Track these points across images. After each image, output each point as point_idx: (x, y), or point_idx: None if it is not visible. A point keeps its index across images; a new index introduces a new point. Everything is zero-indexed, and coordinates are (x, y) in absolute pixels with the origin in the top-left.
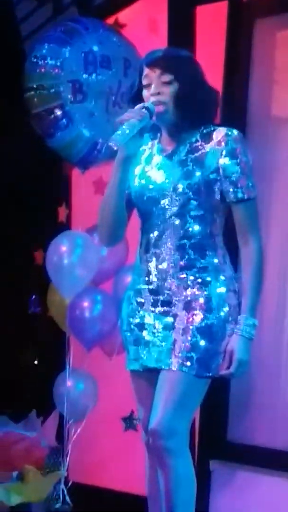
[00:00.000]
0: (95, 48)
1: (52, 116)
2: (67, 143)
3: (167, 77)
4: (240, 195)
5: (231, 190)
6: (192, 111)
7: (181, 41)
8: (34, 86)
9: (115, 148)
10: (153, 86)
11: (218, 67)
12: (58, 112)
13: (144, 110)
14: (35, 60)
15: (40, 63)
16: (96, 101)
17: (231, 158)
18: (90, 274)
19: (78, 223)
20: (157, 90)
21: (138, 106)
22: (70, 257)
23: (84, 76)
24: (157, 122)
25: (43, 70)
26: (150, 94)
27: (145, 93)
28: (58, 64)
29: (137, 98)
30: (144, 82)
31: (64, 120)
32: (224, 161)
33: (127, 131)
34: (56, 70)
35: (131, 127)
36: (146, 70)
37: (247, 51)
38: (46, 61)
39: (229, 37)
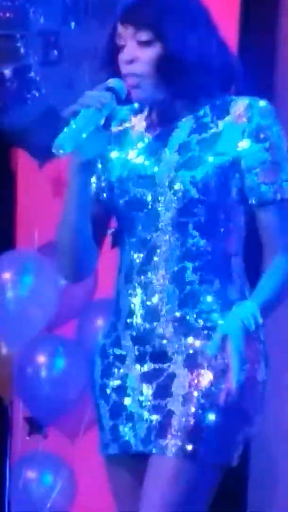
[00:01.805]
0: None
1: (10, 82)
2: (28, 122)
3: (144, 36)
4: (269, 195)
5: (256, 187)
6: (186, 85)
7: None
8: None
9: (61, 155)
10: (125, 49)
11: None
12: (19, 77)
13: (107, 92)
14: None
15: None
16: (76, 64)
17: (256, 141)
18: (46, 314)
19: (27, 239)
20: (130, 56)
21: (99, 86)
22: (16, 289)
23: (62, 27)
24: (137, 101)
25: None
26: (122, 61)
27: (119, 58)
28: (21, 4)
29: (109, 66)
30: (117, 41)
31: (28, 88)
32: (246, 144)
33: (80, 129)
34: (18, 15)
35: (86, 121)
36: (119, 27)
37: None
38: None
39: None
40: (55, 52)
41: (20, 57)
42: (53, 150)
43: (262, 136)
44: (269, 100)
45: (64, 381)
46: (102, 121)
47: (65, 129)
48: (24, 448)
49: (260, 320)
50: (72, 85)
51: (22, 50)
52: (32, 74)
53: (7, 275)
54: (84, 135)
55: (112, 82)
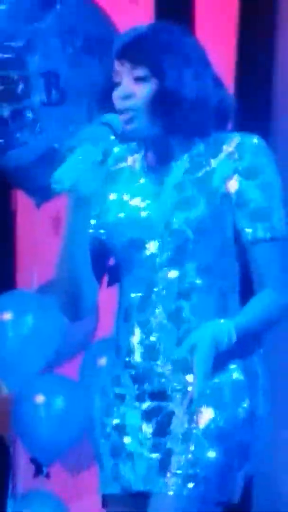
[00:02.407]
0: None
1: (9, 123)
2: (27, 163)
3: (140, 72)
4: (260, 233)
5: (247, 225)
6: (180, 122)
7: (173, 11)
8: None
9: (60, 191)
10: (121, 85)
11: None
12: (19, 118)
13: (103, 127)
14: None
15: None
16: (76, 104)
17: (247, 178)
18: (47, 354)
19: (27, 278)
20: (126, 91)
21: (96, 121)
22: (17, 328)
23: (62, 67)
24: (129, 140)
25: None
26: (118, 97)
27: (114, 94)
28: (25, 45)
29: (108, 103)
30: (114, 78)
31: (27, 129)
32: (237, 182)
33: (77, 164)
34: (17, 55)
35: (83, 156)
36: (115, 63)
37: (269, 21)
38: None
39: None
40: (56, 92)
41: (20, 98)
42: (52, 185)
43: (253, 174)
44: (267, 129)
45: (64, 420)
46: (99, 156)
47: (63, 165)
48: (25, 488)
49: (234, 339)
50: (72, 125)
51: (21, 91)
52: (30, 115)
53: (7, 315)
54: (81, 170)
55: (107, 117)
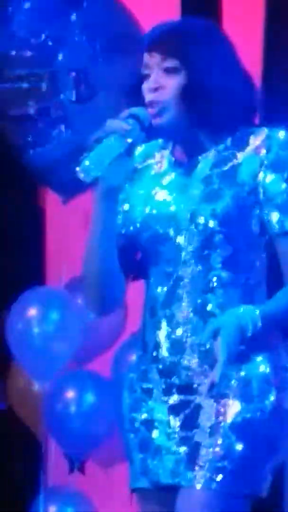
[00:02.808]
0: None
1: (37, 120)
2: (56, 160)
3: (170, 63)
4: (287, 226)
5: (275, 218)
6: (208, 115)
7: (199, 8)
8: (14, 75)
9: (86, 180)
10: (151, 77)
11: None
12: (47, 115)
13: (130, 119)
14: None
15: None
16: (104, 100)
17: (275, 171)
18: (71, 348)
19: (56, 275)
20: (156, 84)
21: (123, 114)
22: (42, 324)
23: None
24: (157, 134)
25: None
26: (147, 89)
27: (144, 86)
28: (52, 42)
29: (136, 96)
30: (143, 70)
31: (58, 126)
32: (265, 175)
33: (104, 155)
34: (44, 52)
35: (110, 148)
36: (145, 56)
37: None
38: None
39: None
40: (85, 89)
41: (48, 95)
42: (78, 175)
43: (281, 167)
44: None
45: (94, 416)
46: (126, 149)
47: (90, 154)
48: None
49: (259, 325)
50: (101, 122)
51: (49, 89)
52: (59, 112)
53: (33, 311)
54: (108, 161)
55: (135, 109)
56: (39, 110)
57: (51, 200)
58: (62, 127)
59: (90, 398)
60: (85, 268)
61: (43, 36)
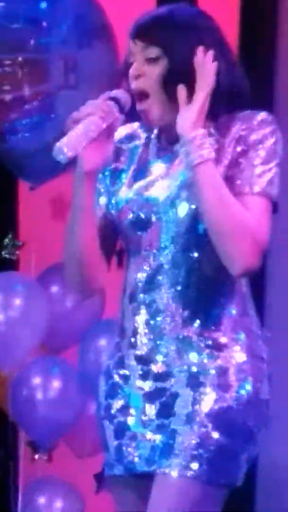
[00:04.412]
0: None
1: (30, 105)
2: (34, 148)
3: (152, 52)
4: (256, 188)
5: (246, 179)
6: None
7: None
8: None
9: (62, 161)
10: (133, 64)
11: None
12: (40, 101)
13: (110, 101)
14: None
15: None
16: (88, 88)
17: (254, 144)
18: (36, 335)
19: (27, 264)
20: (137, 71)
21: (102, 96)
22: (6, 310)
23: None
24: (141, 119)
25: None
26: (130, 77)
27: (129, 74)
28: (45, 27)
29: (123, 83)
30: (129, 59)
31: (42, 112)
32: (244, 147)
33: (81, 135)
34: (40, 38)
35: (87, 128)
36: (130, 44)
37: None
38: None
39: None
40: (73, 76)
41: (42, 80)
42: (54, 154)
43: (260, 139)
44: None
45: (60, 402)
46: (105, 130)
47: (67, 135)
48: (30, 471)
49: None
50: None
51: (40, 74)
52: (48, 99)
53: None
54: (85, 142)
55: (115, 92)
56: (33, 94)
57: (23, 189)
58: (49, 114)
59: (56, 384)
60: (66, 249)
61: (34, 22)
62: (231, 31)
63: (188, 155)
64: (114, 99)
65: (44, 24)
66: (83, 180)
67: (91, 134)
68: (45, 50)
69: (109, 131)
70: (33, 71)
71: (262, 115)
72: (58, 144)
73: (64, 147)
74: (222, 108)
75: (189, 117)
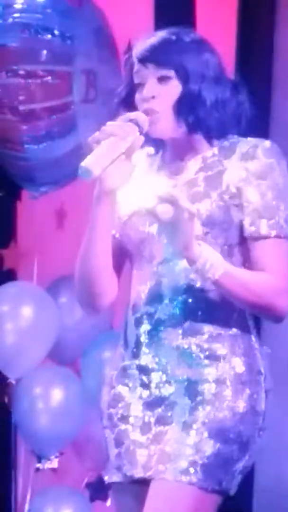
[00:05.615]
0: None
1: (50, 117)
2: (50, 159)
3: (164, 72)
4: (264, 230)
5: (250, 221)
6: (202, 122)
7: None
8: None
9: (87, 179)
10: (146, 86)
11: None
12: (62, 113)
13: (131, 123)
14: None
15: (40, 35)
16: (104, 102)
17: (257, 178)
18: (45, 347)
19: (28, 275)
20: (151, 92)
21: (122, 117)
22: (15, 320)
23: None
24: (152, 140)
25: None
26: (141, 98)
27: (137, 96)
28: (69, 43)
29: (127, 103)
30: (136, 80)
31: (62, 124)
32: (247, 181)
33: (105, 155)
34: (63, 52)
35: (110, 149)
36: (137, 65)
37: (268, 31)
38: (50, 36)
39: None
40: (93, 90)
41: (62, 93)
42: (80, 173)
43: (263, 173)
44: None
45: (62, 412)
46: (125, 151)
47: (91, 155)
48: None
49: (218, 272)
50: (100, 123)
51: (63, 87)
52: (69, 111)
53: (4, 307)
54: (107, 163)
55: (134, 114)
56: (52, 108)
57: (25, 199)
58: (67, 127)
59: (58, 394)
60: (80, 265)
61: (56, 33)
62: (230, 30)
63: (203, 274)
64: (133, 121)
65: (68, 35)
66: (102, 200)
67: (113, 155)
68: (68, 63)
69: (129, 151)
70: (56, 83)
71: (267, 144)
72: (83, 163)
73: (91, 166)
74: (228, 129)
75: (183, 240)
